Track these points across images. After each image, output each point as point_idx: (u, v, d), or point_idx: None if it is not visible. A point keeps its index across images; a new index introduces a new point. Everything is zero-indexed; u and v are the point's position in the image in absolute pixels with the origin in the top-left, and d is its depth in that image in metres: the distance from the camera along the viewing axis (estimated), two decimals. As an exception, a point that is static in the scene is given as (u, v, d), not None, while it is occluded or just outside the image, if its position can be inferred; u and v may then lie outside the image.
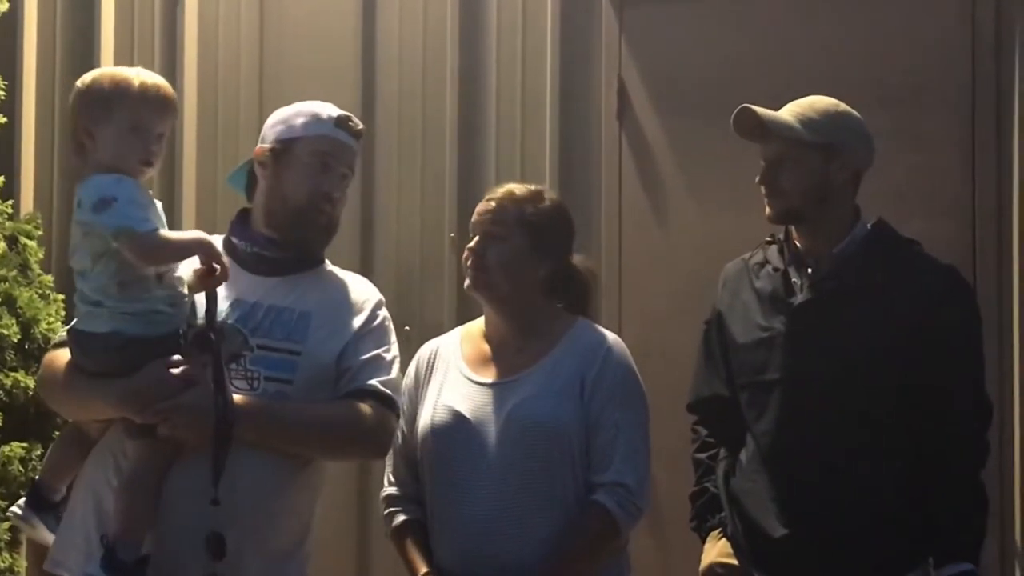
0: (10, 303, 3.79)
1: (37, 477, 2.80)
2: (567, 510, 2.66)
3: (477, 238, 2.79)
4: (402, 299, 3.93)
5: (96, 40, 4.43)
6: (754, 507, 2.77)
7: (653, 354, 3.53)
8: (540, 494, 2.65)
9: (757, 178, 2.85)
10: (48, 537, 2.64)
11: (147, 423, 2.41)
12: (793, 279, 2.81)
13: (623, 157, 3.87)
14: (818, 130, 2.77)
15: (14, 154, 4.36)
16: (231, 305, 2.58)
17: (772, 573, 2.76)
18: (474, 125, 4.05)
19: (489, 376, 2.76)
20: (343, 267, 2.83)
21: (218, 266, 2.46)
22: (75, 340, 2.49)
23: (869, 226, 2.84)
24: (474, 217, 2.83)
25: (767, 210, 2.85)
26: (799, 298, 2.78)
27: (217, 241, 2.59)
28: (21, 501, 2.71)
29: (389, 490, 2.84)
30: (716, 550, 2.85)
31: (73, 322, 2.51)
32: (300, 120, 2.69)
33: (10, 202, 4.03)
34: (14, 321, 3.76)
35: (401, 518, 2.79)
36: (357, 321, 2.66)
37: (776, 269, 2.84)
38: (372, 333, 2.67)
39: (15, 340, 3.75)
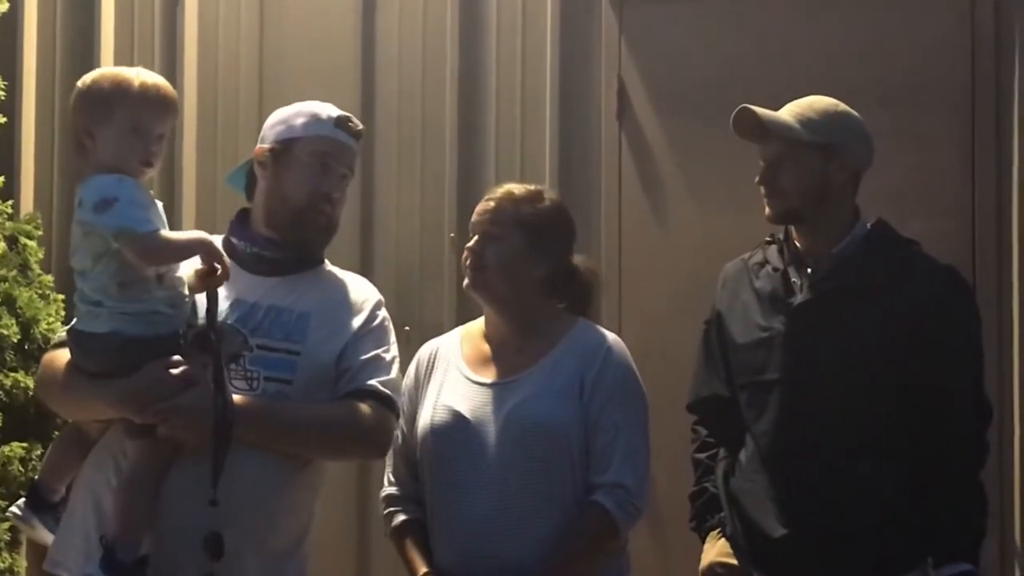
0: (10, 303, 3.78)
1: (36, 477, 2.79)
2: (566, 510, 2.66)
3: (476, 238, 2.79)
4: (402, 299, 3.93)
5: (96, 40, 4.42)
6: (753, 507, 2.77)
7: (653, 354, 3.53)
8: (539, 494, 2.65)
9: (757, 178, 2.85)
10: (47, 537, 2.63)
11: (146, 423, 2.41)
12: (793, 279, 2.81)
13: (623, 157, 3.87)
14: (817, 130, 2.77)
15: (14, 154, 4.35)
16: (231, 305, 2.58)
17: (772, 573, 2.76)
18: (474, 125, 4.04)
19: (489, 376, 2.76)
20: (343, 267, 2.82)
21: (220, 266, 2.46)
22: (75, 340, 2.48)
23: (869, 226, 2.84)
24: (473, 217, 2.83)
25: (767, 210, 2.85)
26: (799, 298, 2.78)
27: (217, 241, 2.59)
28: (21, 501, 2.70)
29: (389, 490, 2.84)
30: (716, 550, 2.85)
31: (73, 322, 2.51)
32: (300, 120, 2.69)
33: (10, 202, 4.02)
34: (14, 321, 3.75)
35: (401, 518, 2.79)
36: (357, 321, 2.66)
37: (776, 269, 2.84)
38: (372, 333, 2.67)
39: (15, 340, 3.74)
